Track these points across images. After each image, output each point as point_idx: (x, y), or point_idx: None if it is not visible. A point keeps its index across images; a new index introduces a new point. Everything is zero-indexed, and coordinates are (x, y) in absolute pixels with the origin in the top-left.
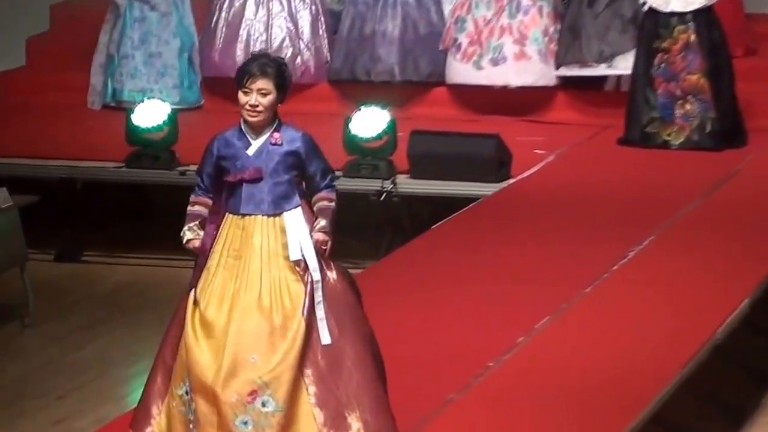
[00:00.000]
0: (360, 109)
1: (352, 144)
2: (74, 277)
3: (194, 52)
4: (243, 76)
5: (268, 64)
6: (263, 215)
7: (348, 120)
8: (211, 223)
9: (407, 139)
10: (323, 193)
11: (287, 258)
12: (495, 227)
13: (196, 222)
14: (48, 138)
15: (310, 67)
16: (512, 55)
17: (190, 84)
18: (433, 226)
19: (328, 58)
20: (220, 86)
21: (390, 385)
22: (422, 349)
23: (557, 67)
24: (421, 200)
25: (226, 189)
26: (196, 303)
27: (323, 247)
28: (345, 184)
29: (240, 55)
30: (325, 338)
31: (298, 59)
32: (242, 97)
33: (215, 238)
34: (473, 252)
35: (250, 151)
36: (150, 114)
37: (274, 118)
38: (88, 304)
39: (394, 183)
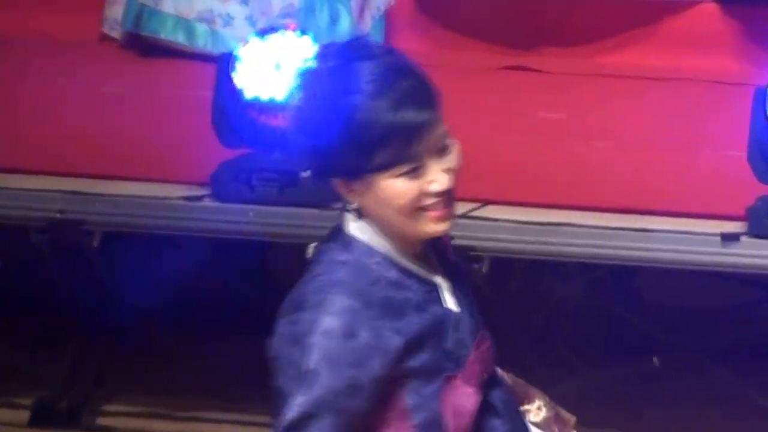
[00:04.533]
0: None
1: None
2: None
3: None
4: (394, 135)
5: (421, 85)
6: None
7: (763, 94)
8: None
9: None
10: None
11: None
12: None
13: None
14: (39, 125)
15: None
16: None
17: (335, 9)
18: None
19: None
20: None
21: None
22: None
23: None
24: None
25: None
26: None
27: None
28: (741, 252)
29: None
30: None
31: None
32: (404, 187)
33: None
34: None
35: (451, 301)
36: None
37: None
38: None
39: None
